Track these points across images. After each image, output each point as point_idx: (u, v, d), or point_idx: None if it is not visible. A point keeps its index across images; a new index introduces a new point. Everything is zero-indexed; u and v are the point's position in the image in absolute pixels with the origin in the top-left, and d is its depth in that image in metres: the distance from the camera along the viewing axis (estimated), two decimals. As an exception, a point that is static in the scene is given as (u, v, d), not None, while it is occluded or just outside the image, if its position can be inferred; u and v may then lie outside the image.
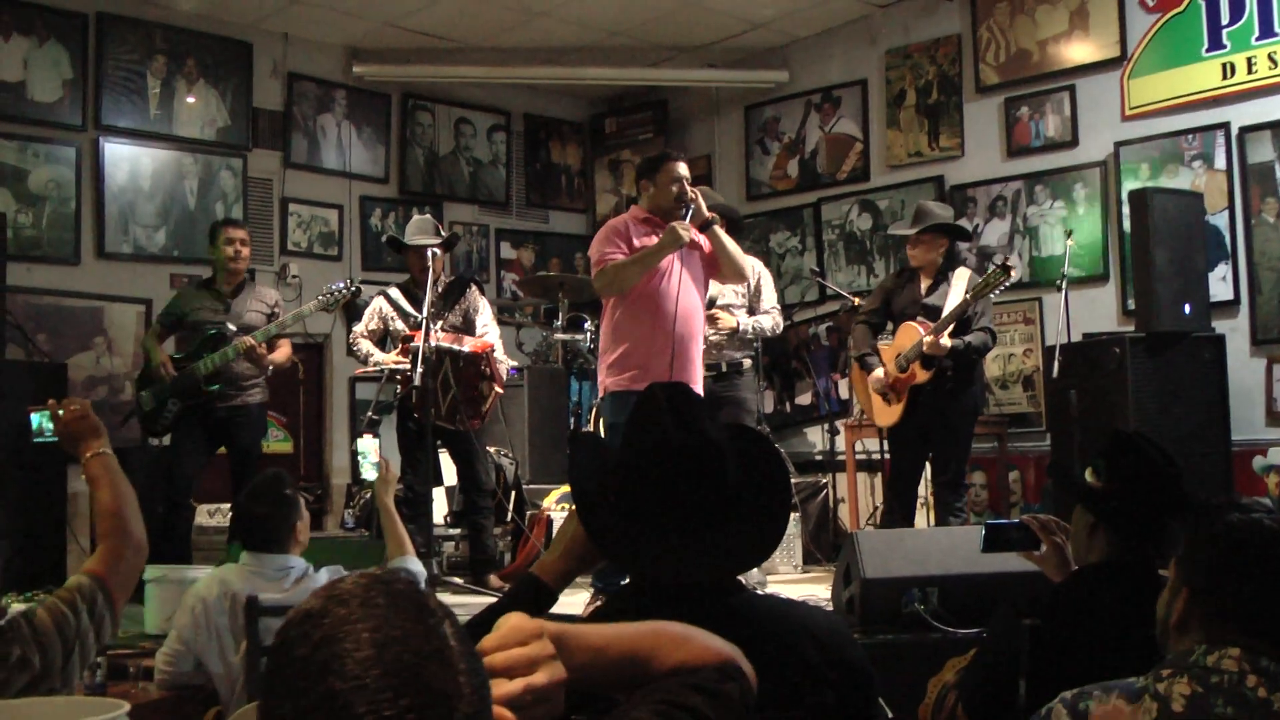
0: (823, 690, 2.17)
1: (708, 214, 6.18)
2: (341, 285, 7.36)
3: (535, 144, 11.86)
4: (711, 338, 6.95)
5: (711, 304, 6.95)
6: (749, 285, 7.16)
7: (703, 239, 6.22)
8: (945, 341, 6.73)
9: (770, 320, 7.19)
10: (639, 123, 11.82)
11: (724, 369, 7.04)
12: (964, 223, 9.46)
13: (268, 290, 7.72)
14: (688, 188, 6.18)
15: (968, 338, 6.85)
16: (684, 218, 6.10)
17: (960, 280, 6.97)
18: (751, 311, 7.17)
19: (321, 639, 1.23)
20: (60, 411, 3.23)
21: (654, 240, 6.11)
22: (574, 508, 2.35)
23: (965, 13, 9.64)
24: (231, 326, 7.22)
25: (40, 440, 3.49)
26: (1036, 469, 8.83)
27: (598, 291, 6.16)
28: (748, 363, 7.17)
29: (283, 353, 7.45)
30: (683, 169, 6.23)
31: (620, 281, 6.06)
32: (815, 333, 10.35)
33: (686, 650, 1.77)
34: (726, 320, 6.99)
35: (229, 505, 7.33)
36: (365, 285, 9.69)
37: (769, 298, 7.28)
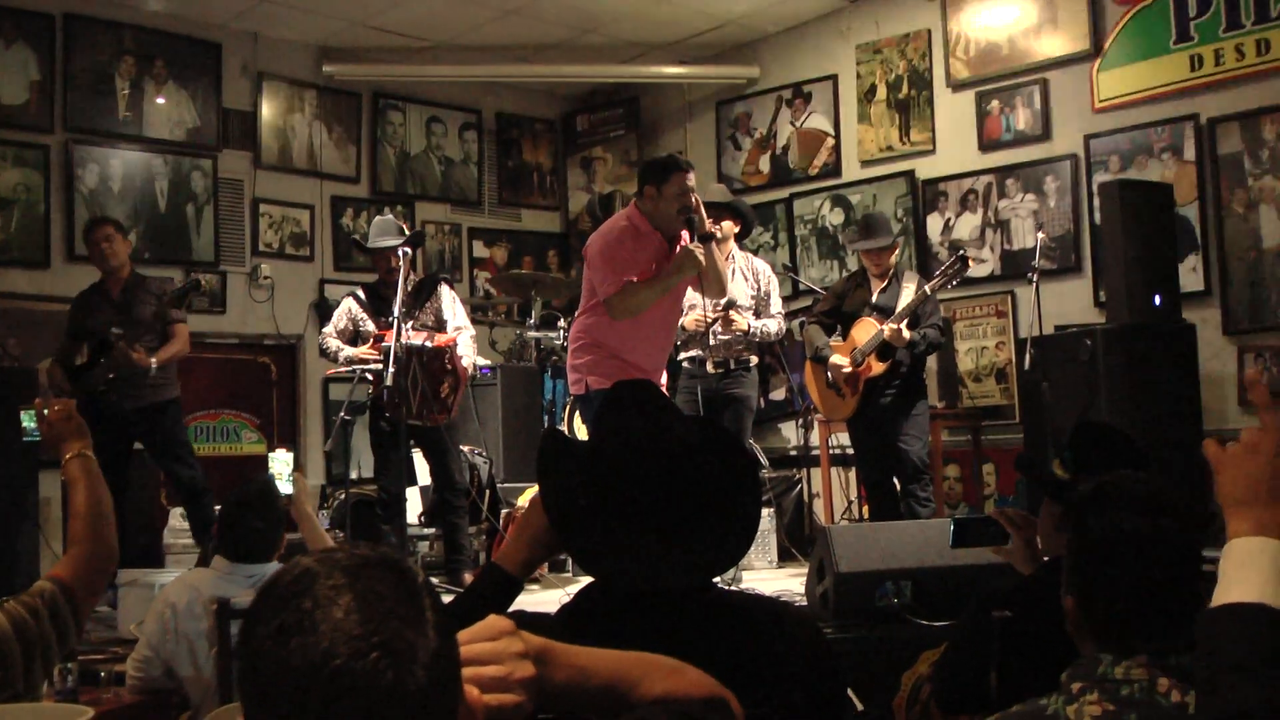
0: (791, 686, 2.17)
1: (708, 228, 6.19)
2: (190, 279, 7.38)
3: (507, 142, 11.83)
4: (722, 336, 7.07)
5: (730, 305, 7.06)
6: (758, 289, 7.31)
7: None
8: (906, 332, 7.11)
9: (776, 324, 7.38)
10: (611, 120, 11.81)
11: (732, 366, 7.19)
12: (935, 217, 9.55)
13: (158, 280, 7.67)
14: (693, 200, 6.14)
15: (921, 330, 7.27)
16: (687, 228, 6.13)
17: (910, 282, 7.37)
18: (758, 314, 7.28)
19: (303, 572, 1.30)
20: (45, 411, 3.22)
21: (656, 253, 6.14)
22: (535, 495, 2.34)
23: (935, 7, 9.65)
24: (116, 330, 7.20)
25: (28, 439, 3.50)
26: (1010, 461, 8.85)
27: (614, 315, 6.06)
28: (753, 360, 7.29)
29: (169, 349, 7.36)
30: (691, 181, 6.14)
31: (639, 307, 6.06)
32: (789, 328, 10.37)
33: (674, 681, 1.76)
34: (739, 321, 7.10)
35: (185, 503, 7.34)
36: (336, 285, 9.73)
37: (776, 302, 7.47)
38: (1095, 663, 2.14)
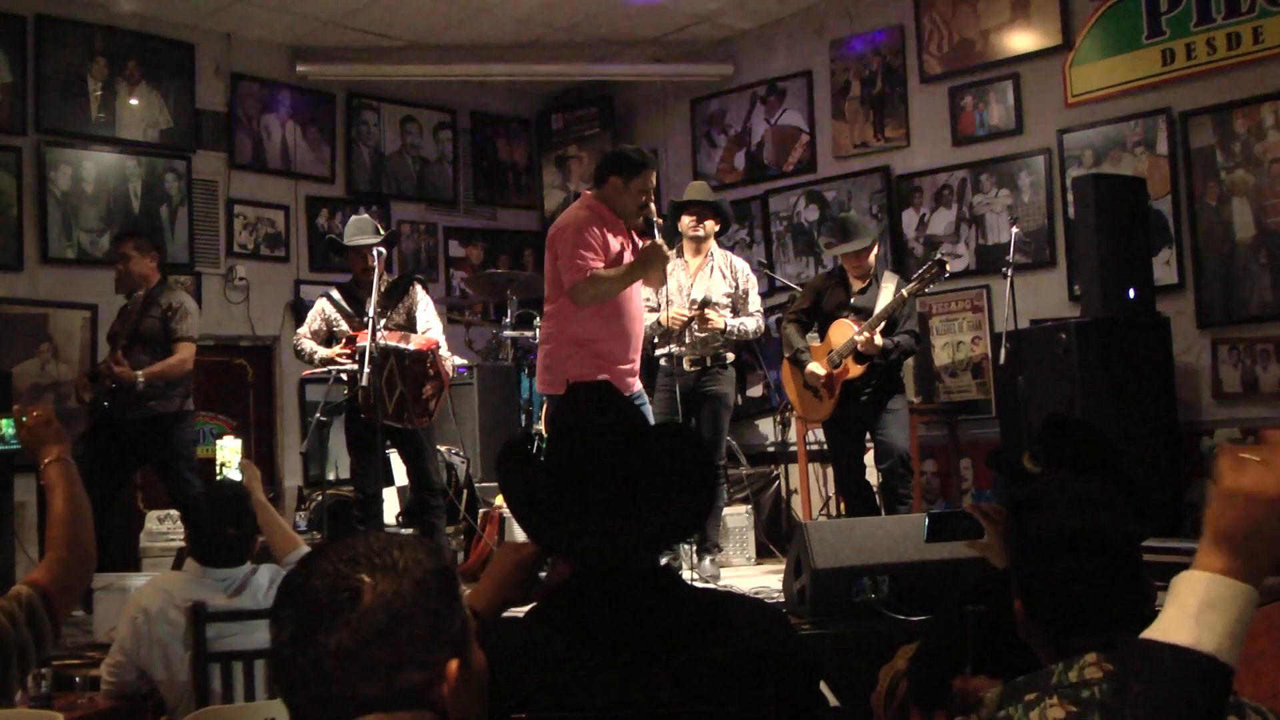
0: (762, 682, 2.17)
1: (657, 220, 6.30)
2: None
3: (482, 141, 11.82)
4: (699, 334, 7.07)
5: (705, 304, 7.06)
6: (736, 286, 7.30)
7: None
8: (878, 340, 7.09)
9: (754, 322, 7.34)
10: (586, 118, 11.80)
11: (709, 363, 7.16)
12: (910, 212, 9.57)
13: (173, 294, 7.62)
14: (652, 198, 6.30)
15: (895, 338, 7.23)
16: (643, 222, 6.26)
17: (889, 283, 7.37)
18: (736, 312, 7.27)
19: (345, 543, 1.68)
20: (24, 417, 3.20)
21: (621, 242, 6.24)
22: (504, 546, 2.41)
23: (908, 3, 9.67)
24: (123, 343, 7.29)
25: (6, 446, 3.45)
26: (986, 456, 8.88)
27: (579, 301, 6.10)
28: (730, 357, 7.28)
29: (159, 364, 7.31)
30: (655, 180, 6.34)
31: (608, 294, 6.13)
32: (766, 325, 10.38)
33: None
34: (716, 320, 7.09)
35: (178, 512, 7.30)
36: (312, 286, 9.70)
37: (754, 301, 7.45)
38: (1047, 675, 2.13)
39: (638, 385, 6.43)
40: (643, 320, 6.51)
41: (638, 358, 6.41)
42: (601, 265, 6.09)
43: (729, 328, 7.15)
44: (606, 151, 6.93)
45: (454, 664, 1.61)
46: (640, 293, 6.46)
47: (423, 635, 1.60)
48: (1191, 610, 1.71)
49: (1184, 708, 1.66)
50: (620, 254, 6.24)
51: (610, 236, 6.19)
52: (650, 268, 6.18)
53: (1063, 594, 2.19)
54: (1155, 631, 1.72)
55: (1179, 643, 1.70)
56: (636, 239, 6.34)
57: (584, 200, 6.36)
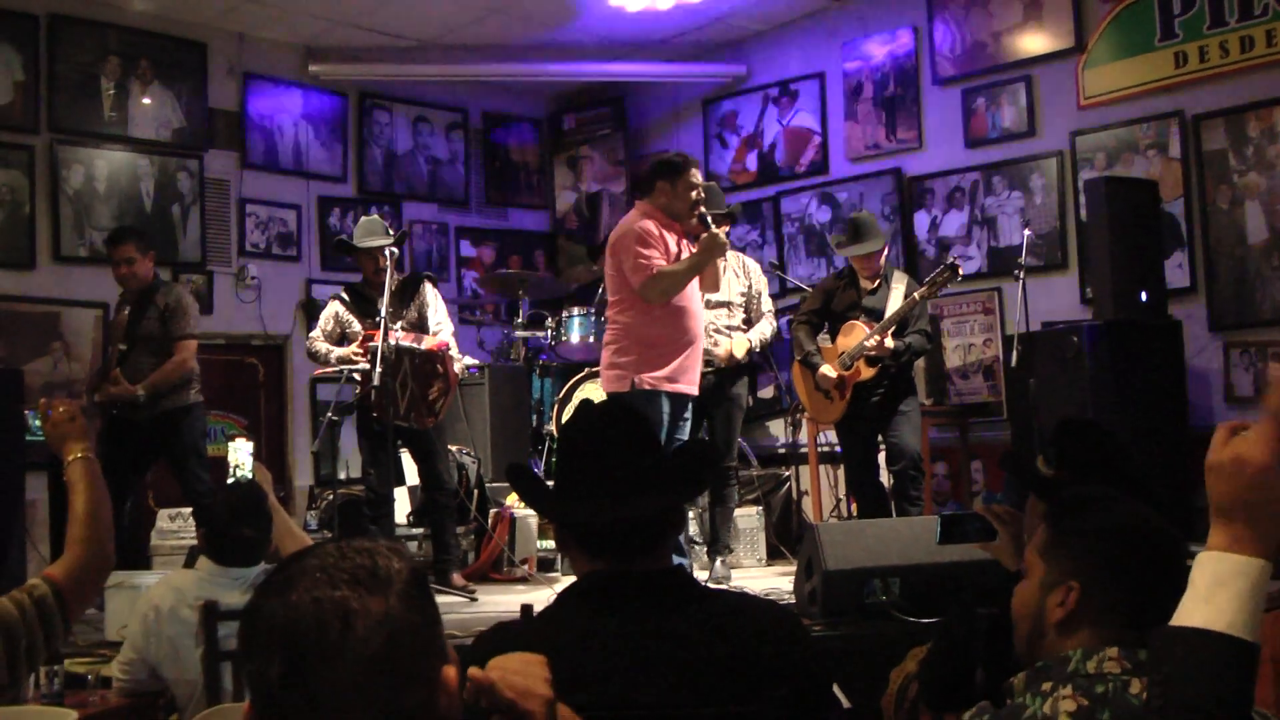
0: (776, 682, 2.17)
1: (711, 222, 6.38)
2: None
3: (494, 141, 11.82)
4: (718, 351, 7.09)
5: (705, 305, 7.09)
6: (750, 286, 7.35)
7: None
8: (889, 343, 7.09)
9: (770, 326, 7.40)
10: (598, 119, 11.81)
11: (722, 365, 7.15)
12: (922, 214, 9.56)
13: (168, 293, 7.57)
14: (702, 194, 6.47)
15: (907, 339, 7.21)
16: (697, 220, 6.40)
17: (899, 283, 7.35)
18: (747, 312, 7.31)
19: (319, 544, 1.60)
20: (49, 411, 3.20)
21: (679, 243, 6.43)
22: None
23: (921, 6, 9.66)
24: (122, 347, 7.32)
25: (32, 439, 3.47)
26: (998, 458, 8.86)
27: (650, 298, 6.25)
28: (746, 360, 7.29)
29: (159, 371, 7.28)
30: (699, 176, 6.52)
31: (675, 289, 6.29)
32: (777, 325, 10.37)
33: None
34: (739, 346, 7.13)
35: (190, 510, 7.30)
36: (324, 285, 9.71)
37: (766, 301, 7.50)
38: (1064, 662, 2.13)
39: (695, 389, 6.51)
40: (702, 319, 6.58)
41: (700, 355, 6.54)
42: (665, 263, 6.25)
43: (753, 344, 7.23)
44: (648, 164, 7.06)
45: (451, 670, 1.57)
46: (697, 292, 6.51)
47: (419, 650, 1.54)
48: (1202, 591, 1.72)
49: (1204, 691, 1.67)
50: (679, 255, 6.39)
51: (668, 237, 6.36)
52: (712, 256, 6.32)
53: (1142, 577, 2.20)
54: (1175, 617, 1.73)
55: (1192, 625, 1.70)
56: (690, 247, 6.46)
57: (638, 208, 6.53)
